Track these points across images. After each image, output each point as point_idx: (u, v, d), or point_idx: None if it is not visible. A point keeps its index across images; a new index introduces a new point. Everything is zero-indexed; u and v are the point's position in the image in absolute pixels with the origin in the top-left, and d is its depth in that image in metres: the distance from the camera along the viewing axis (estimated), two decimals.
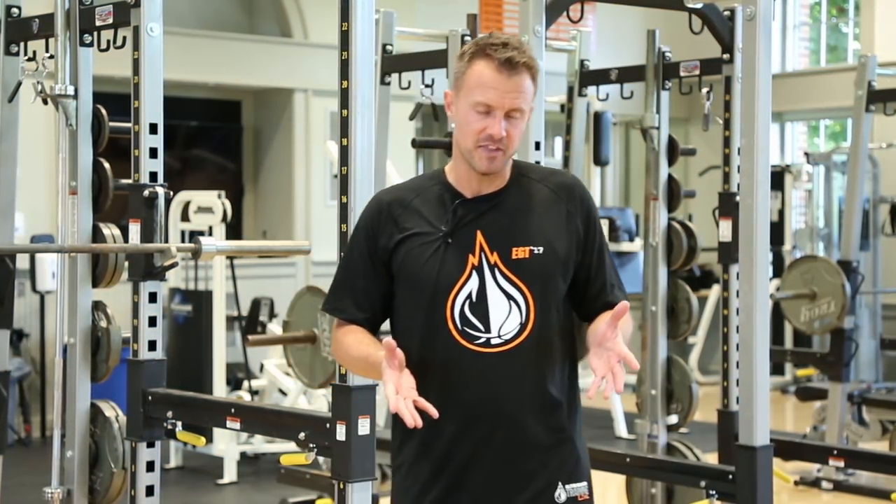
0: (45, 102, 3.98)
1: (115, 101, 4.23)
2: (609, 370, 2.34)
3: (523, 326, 2.50)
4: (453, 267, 2.50)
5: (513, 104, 2.46)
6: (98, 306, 4.03)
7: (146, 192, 3.80)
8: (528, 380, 2.50)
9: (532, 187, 2.57)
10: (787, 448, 4.98)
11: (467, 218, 2.52)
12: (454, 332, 2.49)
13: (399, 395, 2.35)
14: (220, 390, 7.28)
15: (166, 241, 3.86)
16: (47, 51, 4.10)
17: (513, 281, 2.50)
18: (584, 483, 2.58)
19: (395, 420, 2.57)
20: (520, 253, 2.51)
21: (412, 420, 2.32)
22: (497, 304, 2.49)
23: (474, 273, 2.50)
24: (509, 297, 2.50)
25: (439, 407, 2.44)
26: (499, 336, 2.49)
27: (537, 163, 3.85)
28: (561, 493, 2.54)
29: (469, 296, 2.49)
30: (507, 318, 2.49)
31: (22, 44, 4.25)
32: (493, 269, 2.50)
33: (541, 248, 2.51)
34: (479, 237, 2.51)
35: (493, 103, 2.46)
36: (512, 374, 2.49)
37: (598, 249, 2.59)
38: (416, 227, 2.53)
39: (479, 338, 2.49)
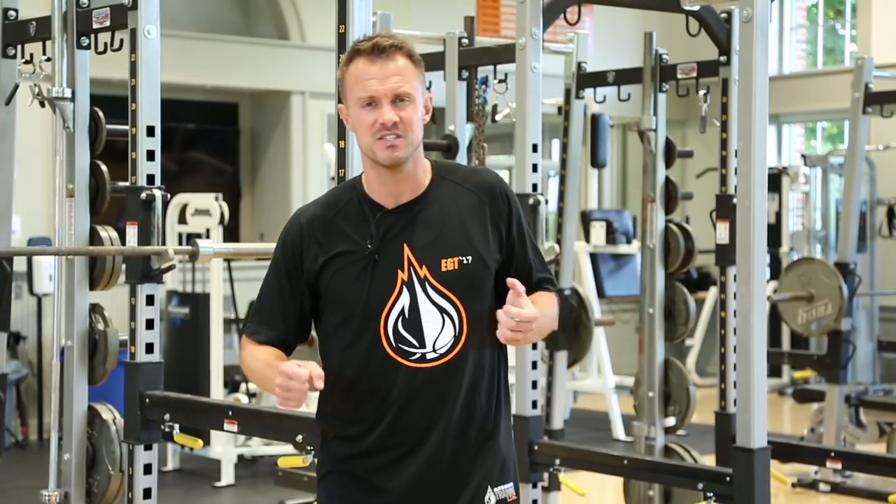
0: (42, 105, 3.98)
1: (113, 104, 4.24)
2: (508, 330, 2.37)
3: (457, 339, 2.47)
4: (383, 284, 2.46)
5: (394, 87, 2.42)
6: (95, 309, 4.02)
7: (143, 195, 3.80)
8: (461, 391, 2.47)
9: (454, 191, 2.53)
10: (784, 450, 4.98)
11: (392, 231, 2.48)
12: (389, 350, 2.46)
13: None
14: (217, 393, 7.27)
15: (163, 243, 3.86)
16: (44, 53, 4.10)
17: (444, 293, 2.46)
18: (511, 484, 2.57)
19: (322, 431, 2.57)
20: (449, 264, 2.47)
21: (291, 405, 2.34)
22: (430, 318, 2.46)
23: (405, 289, 2.46)
24: (441, 310, 2.47)
25: (374, 424, 2.45)
26: (434, 350, 2.46)
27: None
28: (491, 497, 2.53)
29: (402, 312, 2.46)
30: (440, 331, 2.46)
31: (19, 46, 4.25)
32: (423, 282, 2.46)
33: (469, 258, 2.48)
34: (407, 251, 2.47)
35: (375, 92, 2.42)
36: (448, 387, 2.47)
37: (518, 243, 2.56)
38: (340, 246, 2.48)
39: (414, 353, 2.46)
